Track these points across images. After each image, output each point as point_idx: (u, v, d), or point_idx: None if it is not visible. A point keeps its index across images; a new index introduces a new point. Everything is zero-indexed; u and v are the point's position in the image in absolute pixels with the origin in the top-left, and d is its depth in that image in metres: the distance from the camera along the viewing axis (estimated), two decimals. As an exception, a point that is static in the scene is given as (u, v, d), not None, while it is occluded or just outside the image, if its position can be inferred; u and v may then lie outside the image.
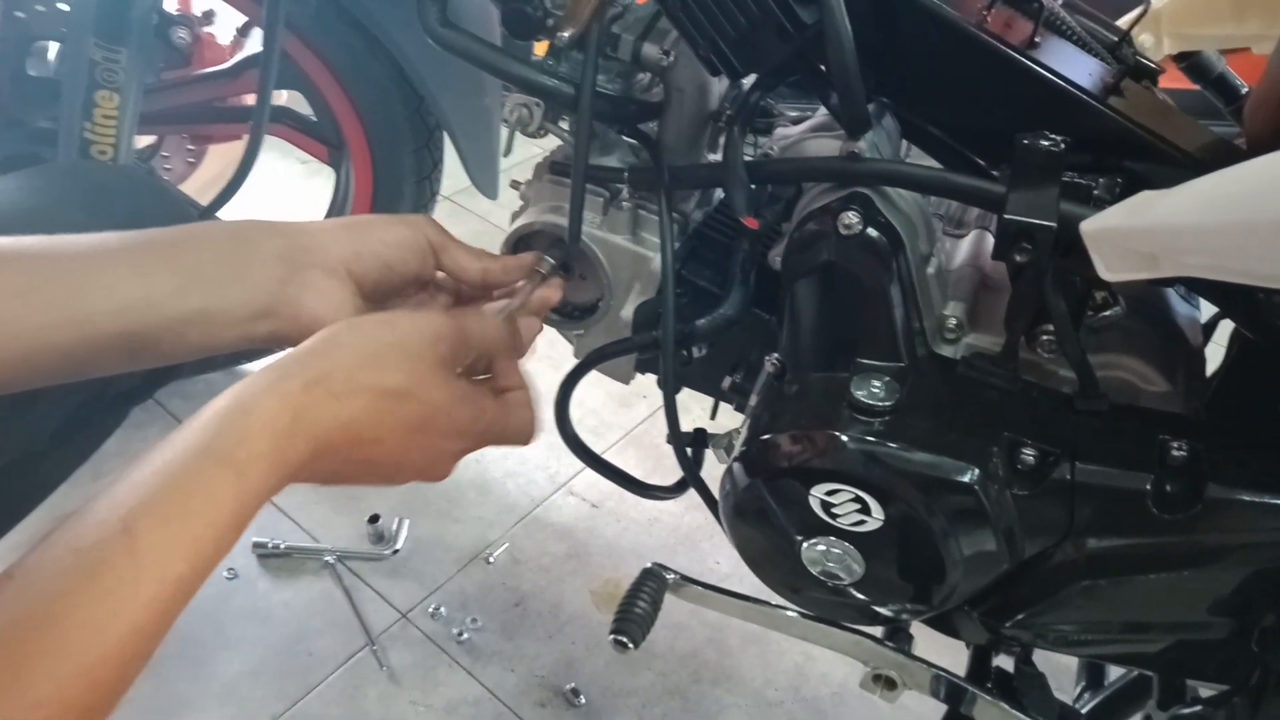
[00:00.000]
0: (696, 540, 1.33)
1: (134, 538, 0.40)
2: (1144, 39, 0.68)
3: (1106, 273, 0.51)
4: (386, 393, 0.50)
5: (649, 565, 0.77)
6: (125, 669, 0.40)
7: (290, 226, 0.60)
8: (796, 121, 0.77)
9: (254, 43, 1.29)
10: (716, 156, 0.77)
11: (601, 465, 0.84)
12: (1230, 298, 0.59)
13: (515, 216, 0.80)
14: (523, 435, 0.60)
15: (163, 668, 1.13)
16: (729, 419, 0.79)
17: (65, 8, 1.05)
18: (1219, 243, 0.47)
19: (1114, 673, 0.83)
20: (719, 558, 1.30)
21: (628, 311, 0.77)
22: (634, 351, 0.76)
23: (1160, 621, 0.63)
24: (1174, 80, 0.73)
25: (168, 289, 0.54)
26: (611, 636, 0.71)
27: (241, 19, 1.31)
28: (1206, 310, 0.70)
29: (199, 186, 1.45)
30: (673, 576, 0.76)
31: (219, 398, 0.46)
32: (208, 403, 0.47)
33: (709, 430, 0.80)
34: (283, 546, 1.26)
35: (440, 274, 0.67)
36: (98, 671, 0.39)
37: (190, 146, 1.45)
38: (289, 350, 0.50)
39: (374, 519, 1.27)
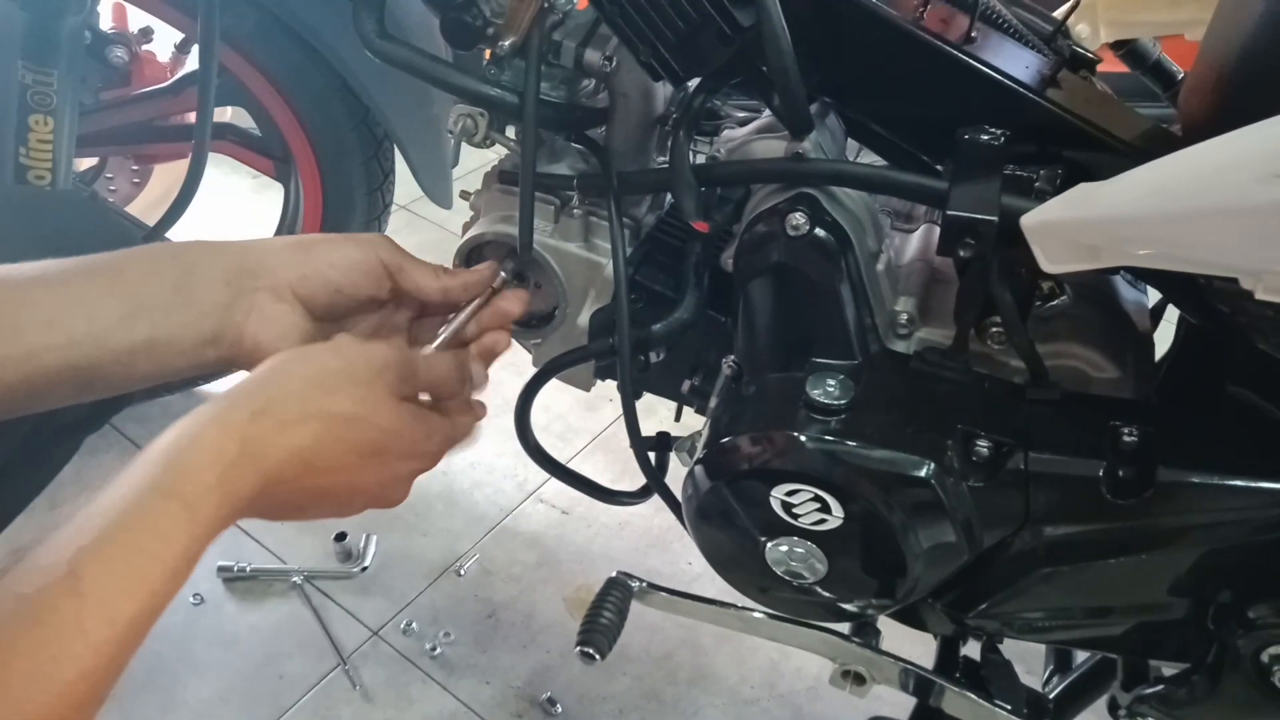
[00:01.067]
0: (668, 542, 1.32)
1: (79, 579, 0.39)
2: (1080, 28, 0.69)
3: (1048, 265, 0.51)
4: (335, 418, 0.49)
5: (614, 574, 0.77)
6: (77, 714, 0.39)
7: (235, 247, 0.58)
8: (743, 122, 0.77)
9: (194, 59, 1.27)
10: (666, 160, 0.77)
11: (565, 473, 0.83)
12: (1173, 284, 0.59)
13: (467, 227, 0.80)
14: (468, 438, 0.60)
15: (128, 697, 1.10)
16: (694, 419, 0.79)
17: (-7, 29, 1.02)
18: (1158, 232, 0.47)
19: (1081, 655, 0.84)
20: (690, 559, 1.30)
21: (584, 319, 0.77)
22: (591, 359, 0.75)
23: (1119, 605, 0.64)
24: (1112, 64, 0.74)
25: (112, 320, 0.53)
26: (578, 648, 0.71)
27: (180, 35, 1.28)
28: (1154, 295, 0.71)
29: (145, 206, 1.42)
30: (638, 584, 0.76)
31: (165, 432, 0.45)
32: (155, 437, 0.45)
33: (672, 433, 0.80)
34: (248, 569, 1.24)
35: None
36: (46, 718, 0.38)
37: (134, 167, 1.42)
38: (237, 379, 0.50)
39: (340, 536, 1.25)
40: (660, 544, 1.32)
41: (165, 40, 1.31)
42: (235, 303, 0.56)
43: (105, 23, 1.28)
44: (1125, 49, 0.74)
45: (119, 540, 0.41)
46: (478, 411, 0.61)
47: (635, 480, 0.81)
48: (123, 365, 0.54)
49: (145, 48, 1.27)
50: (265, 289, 0.57)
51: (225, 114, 1.32)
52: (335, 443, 0.49)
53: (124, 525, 0.41)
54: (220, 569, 1.23)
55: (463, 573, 1.27)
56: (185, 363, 0.56)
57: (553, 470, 0.82)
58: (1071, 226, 0.50)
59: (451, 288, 0.64)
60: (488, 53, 0.69)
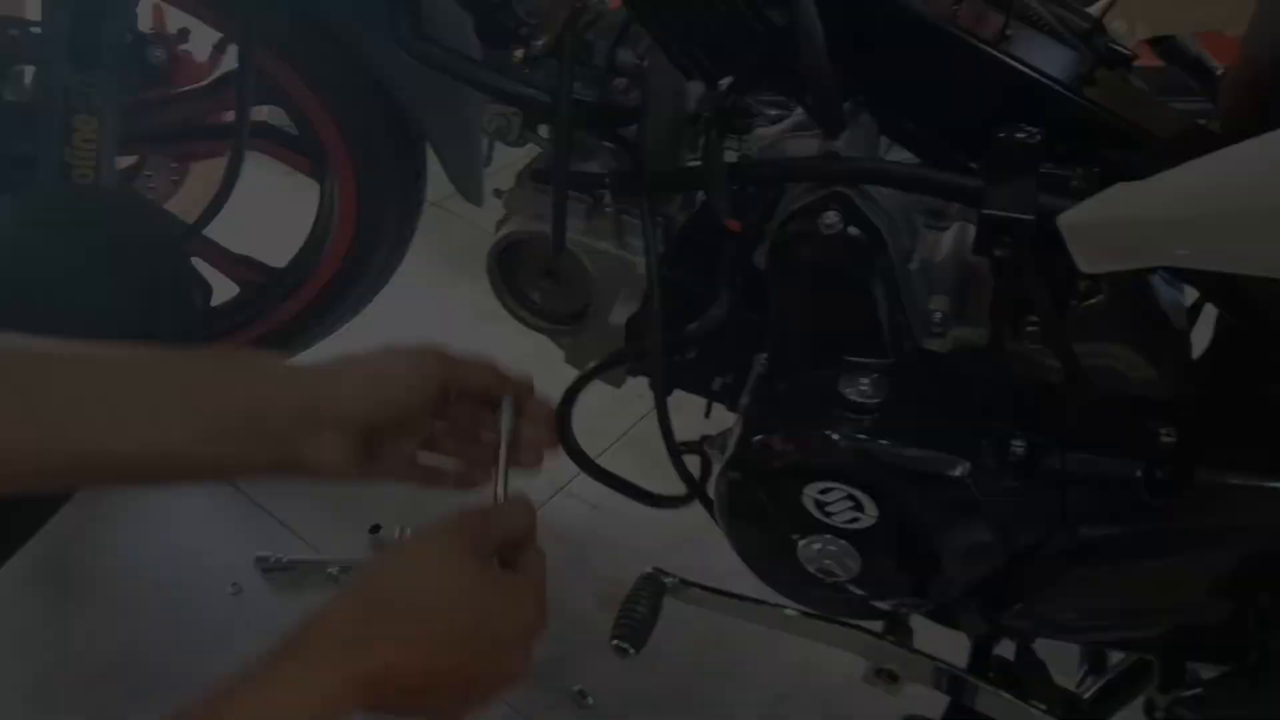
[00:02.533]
0: (698, 538, 1.32)
1: (219, 716, 0.47)
2: (1117, 25, 0.68)
3: (1086, 265, 0.51)
4: (434, 609, 0.53)
5: (648, 570, 0.77)
6: None
7: (304, 382, 0.61)
8: (775, 120, 0.77)
9: (231, 59, 1.28)
10: (698, 158, 0.77)
11: (609, 478, 0.83)
12: (1211, 283, 0.59)
13: (500, 225, 0.80)
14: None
15: (168, 689, 1.13)
16: (724, 415, 0.79)
17: (39, 31, 1.04)
18: (1195, 232, 0.47)
19: (1117, 655, 0.83)
20: (721, 555, 1.29)
21: (617, 316, 0.77)
22: (628, 362, 0.76)
23: (1157, 606, 0.64)
24: (1149, 58, 0.73)
25: (184, 441, 0.57)
26: (613, 642, 0.71)
27: (217, 36, 1.30)
28: (1191, 293, 0.71)
29: (184, 204, 1.44)
30: (671, 580, 0.77)
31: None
32: None
33: (702, 431, 0.80)
34: (285, 560, 1.25)
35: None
36: None
37: (173, 165, 1.44)
38: (351, 575, 0.53)
39: (375, 529, 1.26)
40: (691, 540, 1.33)
41: (203, 40, 1.33)
42: (300, 437, 0.59)
43: (144, 23, 1.30)
44: (1164, 45, 0.73)
45: (249, 688, 0.48)
46: (540, 554, 0.64)
47: (666, 475, 0.81)
48: (187, 475, 0.61)
49: (183, 48, 1.29)
50: (332, 426, 0.60)
51: (261, 113, 1.33)
52: (438, 622, 0.53)
53: (255, 675, 0.48)
54: (258, 559, 1.25)
55: (494, 566, 1.28)
56: (241, 475, 0.63)
57: (596, 475, 0.82)
58: (1109, 226, 0.50)
59: (491, 385, 0.67)
60: (520, 52, 0.70)
